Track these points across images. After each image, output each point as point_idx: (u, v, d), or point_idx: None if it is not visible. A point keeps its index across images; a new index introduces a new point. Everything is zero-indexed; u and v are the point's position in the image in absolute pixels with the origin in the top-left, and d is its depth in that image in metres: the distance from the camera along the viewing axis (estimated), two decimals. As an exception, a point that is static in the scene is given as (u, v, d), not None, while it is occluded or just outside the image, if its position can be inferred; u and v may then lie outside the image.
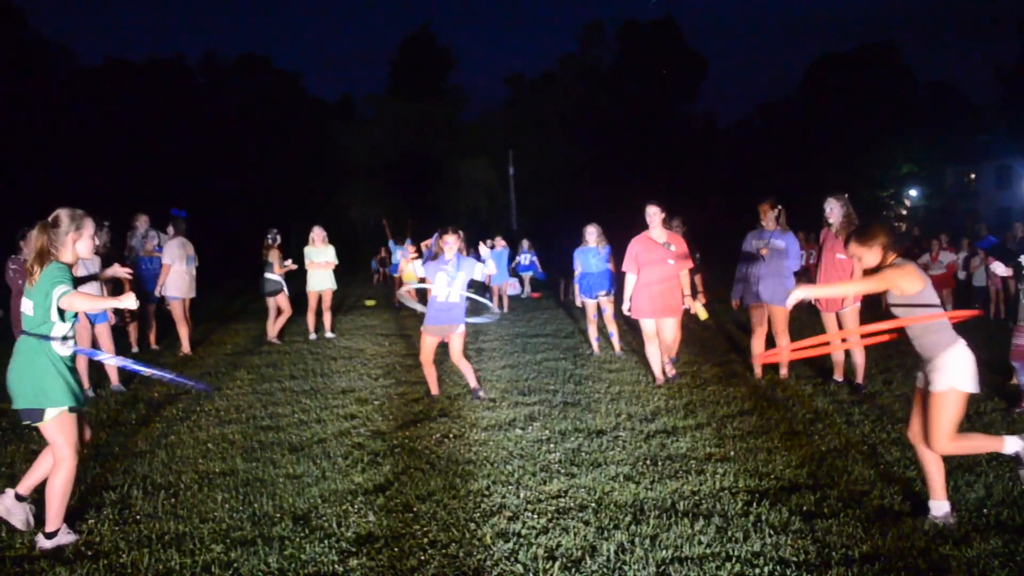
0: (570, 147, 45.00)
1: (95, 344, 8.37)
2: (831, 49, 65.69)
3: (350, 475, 5.32)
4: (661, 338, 8.23)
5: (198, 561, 3.95)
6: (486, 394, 7.78)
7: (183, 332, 11.19)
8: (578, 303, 11.38)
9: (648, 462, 5.48)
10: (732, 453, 5.66)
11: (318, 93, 57.67)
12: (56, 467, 4.20)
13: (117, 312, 11.08)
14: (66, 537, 4.23)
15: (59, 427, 4.15)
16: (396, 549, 4.07)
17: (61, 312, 4.09)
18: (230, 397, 8.12)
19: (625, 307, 8.37)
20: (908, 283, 4.05)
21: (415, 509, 4.62)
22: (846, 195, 7.86)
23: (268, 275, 12.11)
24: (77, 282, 4.23)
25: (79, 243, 4.23)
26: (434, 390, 7.89)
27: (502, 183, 39.46)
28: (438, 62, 50.66)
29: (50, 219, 4.18)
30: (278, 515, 4.57)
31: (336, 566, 3.89)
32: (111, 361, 4.33)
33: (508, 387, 8.26)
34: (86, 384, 8.19)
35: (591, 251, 10.45)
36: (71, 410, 4.19)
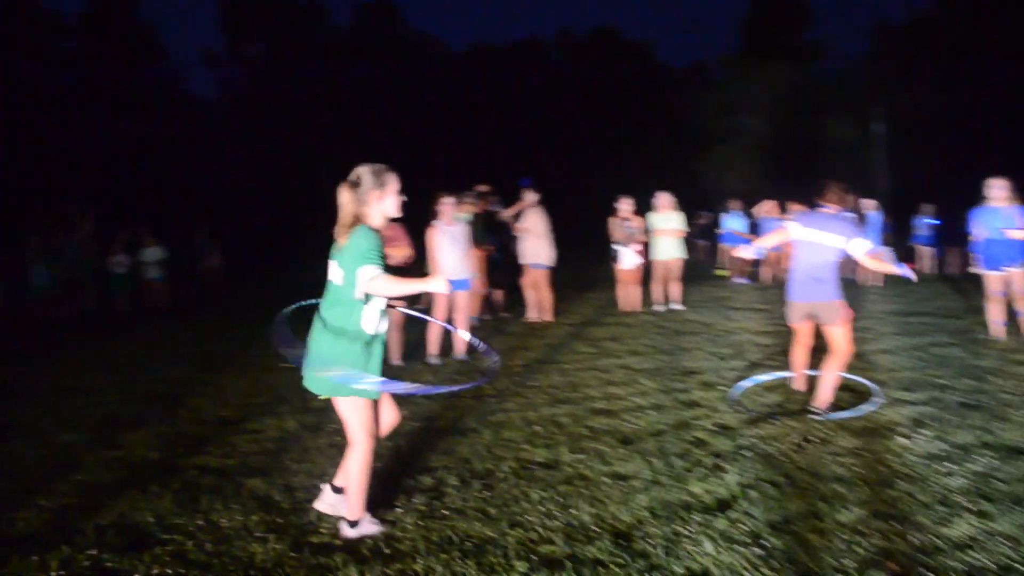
0: (948, 96, 39.18)
1: (450, 312, 8.40)
2: None
3: (686, 482, 4.43)
4: None
5: (497, 580, 3.34)
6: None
7: (547, 299, 11.14)
8: (983, 275, 9.29)
9: (1105, 503, 3.90)
10: None
11: (668, 60, 56.37)
12: (351, 451, 3.85)
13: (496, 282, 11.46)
14: (369, 527, 3.87)
15: (353, 408, 3.78)
16: (738, 598, 3.12)
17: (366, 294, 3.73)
18: (567, 372, 7.63)
19: None
20: None
21: (765, 542, 3.61)
22: None
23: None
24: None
25: (385, 201, 3.83)
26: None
27: (863, 142, 35.62)
28: (792, 16, 46.95)
29: (352, 178, 3.81)
30: (596, 529, 3.82)
31: (659, 613, 3.05)
32: (396, 388, 3.94)
33: (886, 379, 6.79)
34: (434, 350, 8.25)
35: (997, 211, 8.40)
36: None
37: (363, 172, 3.82)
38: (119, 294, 15.31)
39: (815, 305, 5.94)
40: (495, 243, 11.48)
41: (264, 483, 4.69)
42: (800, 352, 6.42)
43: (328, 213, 4.07)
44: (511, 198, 12.22)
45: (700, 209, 22.85)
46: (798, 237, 6.03)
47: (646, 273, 12.11)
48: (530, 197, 11.31)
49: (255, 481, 4.72)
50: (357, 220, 3.77)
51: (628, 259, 11.76)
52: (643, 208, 12.10)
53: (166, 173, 35.97)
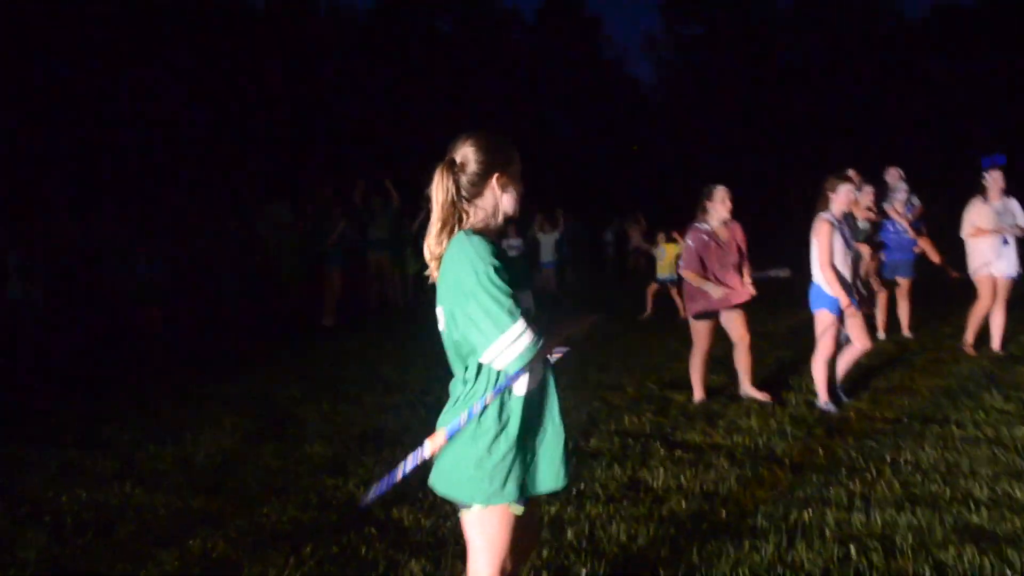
0: None
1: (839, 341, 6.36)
2: None
3: None
4: None
5: None
6: None
7: (999, 322, 8.44)
8: None
9: None
10: None
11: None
12: None
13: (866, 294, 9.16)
14: None
15: (482, 524, 2.38)
16: None
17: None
18: (950, 442, 5.28)
19: None
20: None
21: None
22: None
23: None
24: None
25: (505, 193, 2.42)
26: None
27: None
28: None
29: (454, 157, 2.41)
30: None
31: None
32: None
33: None
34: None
35: None
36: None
37: (470, 149, 2.41)
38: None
39: None
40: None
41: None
42: None
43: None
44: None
45: None
46: None
47: None
48: (996, 180, 8.25)
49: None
50: (455, 223, 2.41)
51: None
52: None
53: (613, 160, 37.21)
